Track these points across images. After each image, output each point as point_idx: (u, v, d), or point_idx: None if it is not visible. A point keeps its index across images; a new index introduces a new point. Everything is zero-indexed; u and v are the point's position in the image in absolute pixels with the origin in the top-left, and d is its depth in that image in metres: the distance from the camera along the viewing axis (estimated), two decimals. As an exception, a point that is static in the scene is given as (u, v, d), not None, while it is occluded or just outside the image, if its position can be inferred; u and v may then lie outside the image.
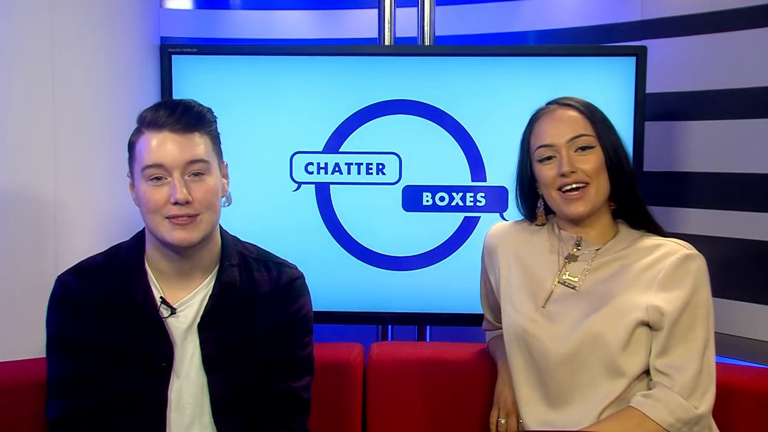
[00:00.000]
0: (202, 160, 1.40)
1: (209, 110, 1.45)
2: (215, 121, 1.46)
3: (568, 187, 1.48)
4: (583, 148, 1.48)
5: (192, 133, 1.39)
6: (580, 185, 1.48)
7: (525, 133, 1.58)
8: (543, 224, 1.61)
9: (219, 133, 1.47)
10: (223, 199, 1.48)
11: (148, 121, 1.39)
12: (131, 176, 1.44)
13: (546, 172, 1.51)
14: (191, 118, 1.39)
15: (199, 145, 1.40)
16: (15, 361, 1.74)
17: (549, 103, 1.57)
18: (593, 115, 1.51)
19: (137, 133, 1.41)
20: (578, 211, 1.49)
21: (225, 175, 1.50)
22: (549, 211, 1.60)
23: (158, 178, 1.38)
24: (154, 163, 1.37)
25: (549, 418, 1.50)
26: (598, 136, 1.49)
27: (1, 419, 1.60)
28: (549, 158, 1.51)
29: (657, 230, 1.54)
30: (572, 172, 1.47)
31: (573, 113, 1.51)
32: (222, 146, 1.49)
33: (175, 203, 1.36)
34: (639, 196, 1.53)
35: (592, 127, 1.50)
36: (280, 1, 2.74)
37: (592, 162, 1.48)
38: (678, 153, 2.28)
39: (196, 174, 1.39)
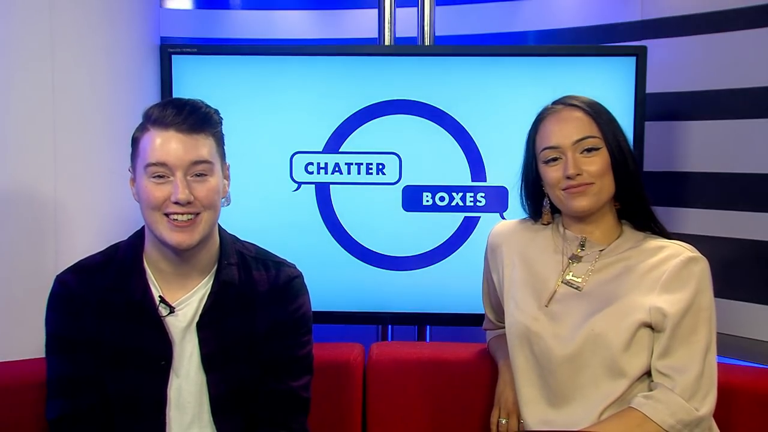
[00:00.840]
0: (206, 161, 1.39)
1: (216, 111, 1.45)
2: (221, 123, 1.46)
3: (574, 190, 1.48)
4: (589, 150, 1.48)
5: (198, 134, 1.39)
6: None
7: (530, 132, 1.57)
8: (548, 223, 1.61)
9: (224, 134, 1.47)
10: (223, 199, 1.48)
11: (155, 118, 1.39)
12: (133, 171, 1.44)
13: (551, 174, 1.50)
14: (198, 118, 1.39)
15: (204, 146, 1.39)
16: (15, 361, 1.74)
17: (555, 103, 1.56)
18: (599, 115, 1.51)
19: (142, 129, 1.41)
20: (581, 206, 1.48)
21: (226, 176, 1.49)
22: (554, 210, 1.60)
23: (161, 176, 1.37)
24: (157, 162, 1.37)
25: (549, 417, 1.50)
26: (603, 137, 1.48)
27: (1, 419, 1.60)
28: (555, 159, 1.50)
29: (661, 232, 1.54)
30: (578, 174, 1.46)
31: (579, 114, 1.50)
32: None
33: (176, 202, 1.36)
34: (644, 196, 1.53)
35: (598, 128, 1.49)
36: (280, 1, 2.74)
37: (597, 164, 1.47)
38: (678, 153, 2.28)
39: (199, 175, 1.39)
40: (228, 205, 1.51)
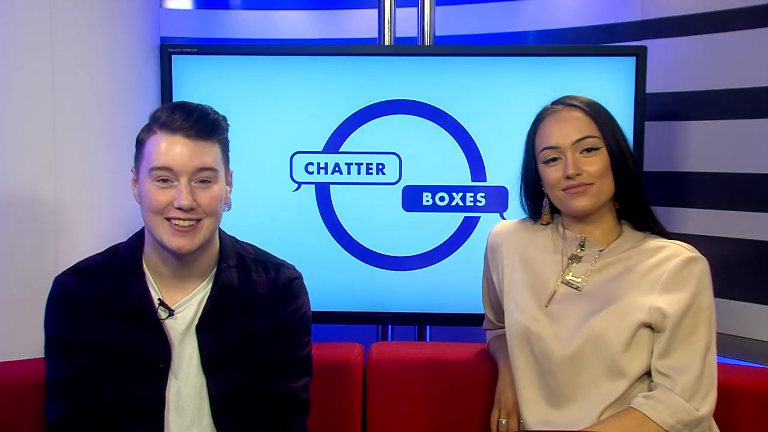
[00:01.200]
0: (211, 168, 1.39)
1: (224, 118, 1.44)
2: (227, 129, 1.45)
3: (574, 190, 1.48)
4: (589, 150, 1.48)
5: (205, 141, 1.38)
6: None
7: (530, 132, 1.57)
8: (548, 223, 1.61)
9: (229, 140, 1.47)
10: (224, 205, 1.47)
11: (162, 122, 1.37)
12: (135, 172, 1.43)
13: (551, 174, 1.50)
14: (206, 125, 1.38)
15: (210, 153, 1.39)
16: (15, 361, 1.74)
17: (554, 103, 1.56)
18: (598, 115, 1.50)
19: (149, 131, 1.40)
20: (581, 206, 1.48)
21: (229, 183, 1.49)
22: (554, 210, 1.60)
23: (165, 180, 1.37)
24: (163, 166, 1.36)
25: (550, 417, 1.50)
26: (603, 137, 1.48)
27: (1, 419, 1.60)
28: (554, 160, 1.50)
29: (661, 231, 1.54)
30: (578, 174, 1.46)
31: (578, 114, 1.50)
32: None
33: (179, 208, 1.36)
34: (643, 196, 1.53)
35: (598, 128, 1.49)
36: (280, 1, 2.74)
37: (597, 164, 1.47)
38: (678, 153, 2.28)
39: (203, 181, 1.39)
40: (229, 210, 1.50)
